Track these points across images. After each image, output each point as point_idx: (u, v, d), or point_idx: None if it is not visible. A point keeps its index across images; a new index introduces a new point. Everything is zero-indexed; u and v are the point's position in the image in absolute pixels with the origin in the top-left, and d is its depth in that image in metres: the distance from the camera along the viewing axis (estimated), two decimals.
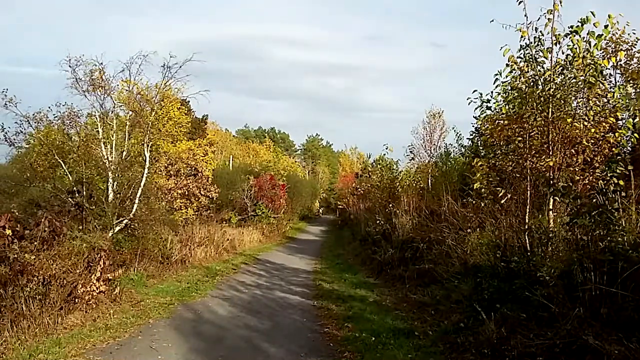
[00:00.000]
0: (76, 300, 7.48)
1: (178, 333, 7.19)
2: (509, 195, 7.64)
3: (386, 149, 19.35)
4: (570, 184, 6.55)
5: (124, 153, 12.25)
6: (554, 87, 7.00)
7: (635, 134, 6.79)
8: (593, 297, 5.14)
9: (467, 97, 7.92)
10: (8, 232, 7.06)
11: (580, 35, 6.72)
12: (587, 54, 6.74)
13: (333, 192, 63.42)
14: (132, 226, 11.96)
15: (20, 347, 5.94)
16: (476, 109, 7.97)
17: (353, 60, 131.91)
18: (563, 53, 7.02)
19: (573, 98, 7.23)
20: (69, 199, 10.95)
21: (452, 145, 21.02)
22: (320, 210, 60.05)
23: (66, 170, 11.64)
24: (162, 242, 12.76)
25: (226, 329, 7.59)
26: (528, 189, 7.45)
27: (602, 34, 6.59)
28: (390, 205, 16.10)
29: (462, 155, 18.20)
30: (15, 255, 6.91)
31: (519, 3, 7.06)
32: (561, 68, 7.03)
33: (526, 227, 7.20)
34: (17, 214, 8.69)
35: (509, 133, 7.79)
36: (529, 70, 7.28)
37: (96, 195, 11.44)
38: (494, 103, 7.75)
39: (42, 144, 11.87)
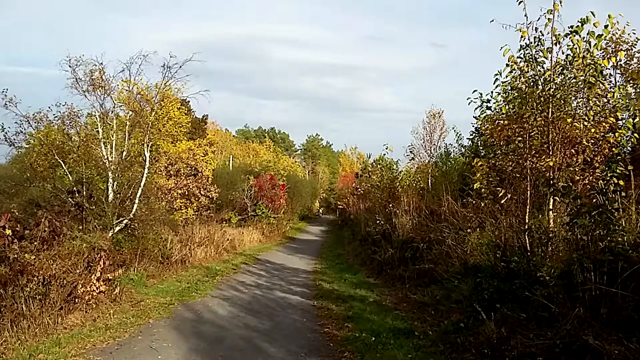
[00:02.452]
0: (76, 300, 7.48)
1: (178, 333, 7.18)
2: (509, 195, 7.63)
3: (386, 149, 19.34)
4: (570, 184, 6.55)
5: (124, 153, 12.26)
6: (554, 87, 6.99)
7: (635, 134, 6.79)
8: (593, 297, 5.14)
9: (467, 97, 7.94)
10: (8, 232, 7.06)
11: (580, 35, 6.72)
12: (587, 54, 6.74)
13: (333, 192, 63.43)
14: (132, 226, 11.96)
15: (20, 347, 5.93)
16: (476, 109, 7.99)
17: (353, 60, 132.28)
18: (563, 53, 7.03)
19: (573, 98, 7.22)
20: (69, 199, 10.94)
21: (452, 145, 21.08)
22: (320, 210, 60.07)
23: (66, 170, 11.64)
24: (162, 242, 12.75)
25: (226, 329, 7.59)
26: (528, 189, 7.45)
27: (602, 34, 6.59)
28: (390, 205, 16.08)
29: (462, 155, 18.21)
30: (15, 255, 6.91)
31: (519, 3, 7.06)
32: (561, 68, 7.03)
33: (526, 227, 7.20)
34: (17, 214, 8.70)
35: (509, 133, 7.79)
36: (529, 70, 7.28)
37: (96, 195, 11.44)
38: (494, 103, 7.76)
39: (42, 144, 11.87)
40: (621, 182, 6.42)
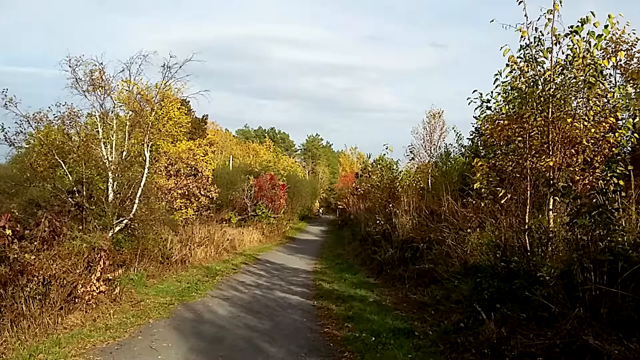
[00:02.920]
0: (76, 300, 7.48)
1: (178, 333, 7.19)
2: (509, 195, 7.63)
3: (386, 149, 19.33)
4: (570, 184, 6.55)
5: (124, 153, 12.26)
6: (554, 87, 7.00)
7: (635, 134, 6.79)
8: (593, 297, 5.14)
9: (467, 97, 7.94)
10: (8, 232, 7.06)
11: (580, 35, 6.72)
12: (587, 54, 6.74)
13: (333, 192, 63.42)
14: (132, 226, 11.96)
15: (20, 347, 5.93)
16: (476, 109, 7.98)
17: (353, 60, 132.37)
18: (563, 53, 7.03)
19: (573, 98, 7.23)
20: (69, 199, 10.94)
21: (452, 145, 21.08)
22: (320, 210, 60.06)
23: (66, 170, 11.64)
24: (162, 242, 12.75)
25: (226, 329, 7.59)
26: (528, 189, 7.45)
27: (602, 34, 6.59)
28: (390, 205, 16.08)
29: (462, 155, 18.21)
30: (15, 255, 6.91)
31: (519, 3, 7.06)
32: (561, 68, 7.03)
33: (526, 227, 7.19)
34: (17, 214, 8.69)
35: (509, 133, 7.79)
36: (529, 70, 7.28)
37: (96, 195, 11.44)
38: (494, 103, 7.76)
39: (42, 144, 11.88)
40: (621, 182, 6.43)
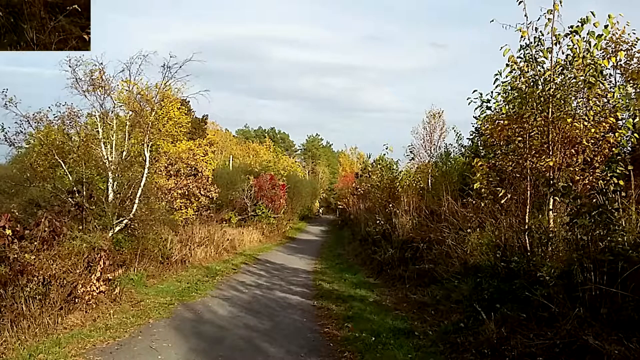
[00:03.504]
0: (76, 300, 7.48)
1: (178, 333, 7.19)
2: (509, 195, 7.64)
3: (386, 149, 19.38)
4: (570, 184, 6.55)
5: (124, 153, 12.25)
6: (554, 87, 7.00)
7: (635, 134, 6.79)
8: (593, 297, 5.14)
9: (467, 97, 7.95)
10: (8, 232, 7.05)
11: (580, 35, 6.73)
12: (587, 54, 6.74)
13: (333, 192, 63.41)
14: (132, 226, 11.95)
15: (20, 347, 5.93)
16: (476, 109, 7.99)
17: (353, 60, 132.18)
18: (563, 53, 7.04)
19: (573, 98, 7.23)
20: (69, 199, 10.94)
21: (452, 145, 21.04)
22: (320, 210, 60.04)
23: (66, 170, 11.64)
24: (162, 242, 12.75)
25: (226, 329, 7.59)
26: (528, 189, 7.45)
27: (602, 34, 6.60)
28: (390, 205, 16.09)
29: (462, 155, 18.20)
30: (15, 255, 6.91)
31: (519, 3, 7.07)
32: (561, 68, 7.04)
33: (526, 227, 7.20)
34: (17, 214, 8.68)
35: (509, 133, 7.79)
36: (529, 70, 7.29)
37: (96, 195, 11.44)
38: (494, 103, 7.77)
39: (42, 144, 11.87)
40: (621, 182, 6.43)
